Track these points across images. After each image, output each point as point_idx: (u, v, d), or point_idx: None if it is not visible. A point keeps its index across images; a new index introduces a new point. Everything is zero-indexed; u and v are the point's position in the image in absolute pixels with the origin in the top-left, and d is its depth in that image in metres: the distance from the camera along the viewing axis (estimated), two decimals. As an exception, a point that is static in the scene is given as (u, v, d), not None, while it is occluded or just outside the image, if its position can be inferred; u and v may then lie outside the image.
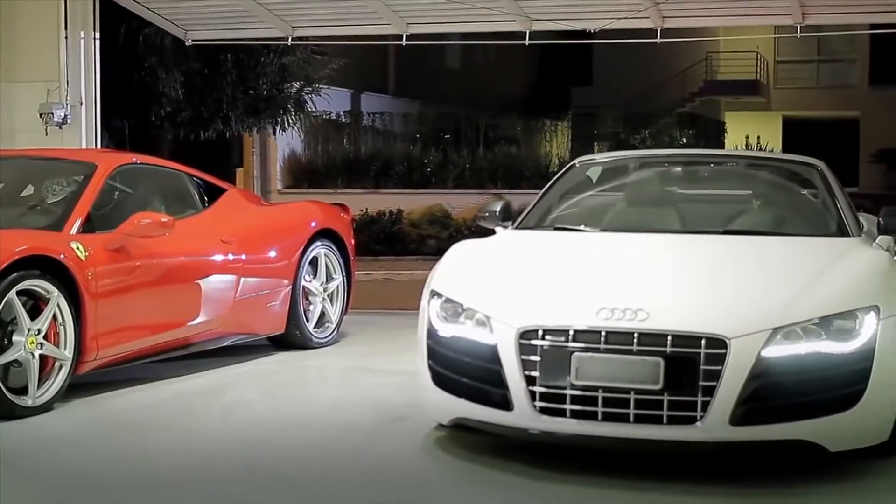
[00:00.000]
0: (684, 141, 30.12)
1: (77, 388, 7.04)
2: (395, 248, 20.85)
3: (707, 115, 34.48)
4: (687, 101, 35.03)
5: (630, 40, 11.40)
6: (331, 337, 9.24)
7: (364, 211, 21.07)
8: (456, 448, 5.85)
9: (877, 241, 6.55)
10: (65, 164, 7.92)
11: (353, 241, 9.66)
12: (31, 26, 11.04)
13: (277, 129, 19.04)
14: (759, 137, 32.25)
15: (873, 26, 11.50)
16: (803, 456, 5.36)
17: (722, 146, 31.76)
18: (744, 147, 30.72)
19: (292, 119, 18.96)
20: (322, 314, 9.18)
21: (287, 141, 23.18)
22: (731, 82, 35.31)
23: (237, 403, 7.23)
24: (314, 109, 20.88)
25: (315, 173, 24.37)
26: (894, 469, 5.55)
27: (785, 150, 34.61)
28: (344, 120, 26.16)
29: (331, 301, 9.25)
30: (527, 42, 11.57)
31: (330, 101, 21.21)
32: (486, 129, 26.40)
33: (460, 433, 5.85)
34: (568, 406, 5.24)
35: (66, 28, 10.96)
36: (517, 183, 23.58)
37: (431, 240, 20.93)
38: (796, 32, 10.64)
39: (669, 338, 5.19)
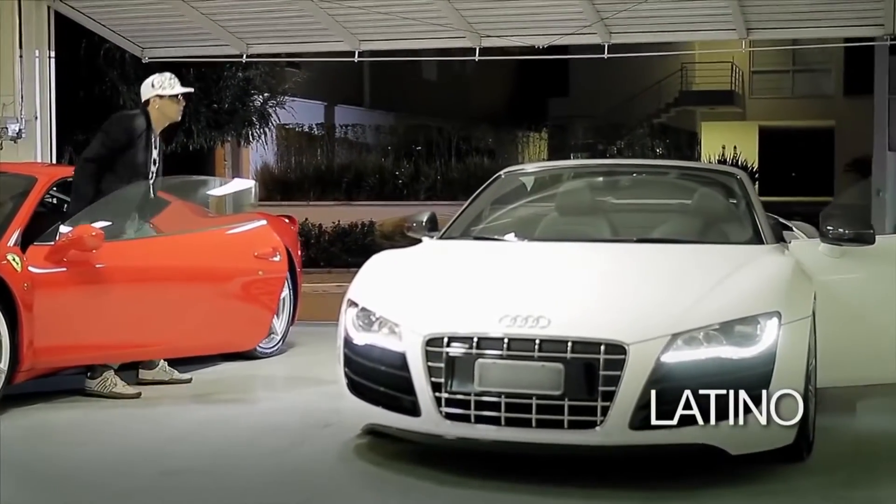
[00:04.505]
0: (658, 151, 30.31)
1: (16, 397, 7.16)
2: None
3: (680, 126, 34.66)
4: (663, 111, 35.22)
5: (604, 55, 11.48)
6: (276, 348, 9.37)
7: (336, 223, 21.20)
8: (370, 454, 5.98)
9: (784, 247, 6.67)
10: (6, 178, 8.00)
11: (299, 253, 9.80)
12: (-12, 42, 11.17)
13: (242, 141, 19.18)
14: (735, 148, 32.45)
15: (846, 40, 11.65)
16: (709, 459, 5.44)
17: (696, 156, 31.95)
18: (718, 157, 30.96)
19: (257, 132, 19.14)
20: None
21: (260, 153, 23.33)
22: (706, 93, 35.49)
23: (169, 413, 7.30)
24: (286, 122, 20.91)
25: (287, 185, 24.48)
26: (796, 472, 5.67)
27: (761, 159, 34.88)
28: (317, 132, 26.29)
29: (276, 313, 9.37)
30: (476, 58, 11.73)
31: (295, 113, 21.35)
32: (459, 140, 26.51)
33: (378, 440, 5.98)
34: (472, 412, 5.35)
35: (20, 46, 11.08)
36: (489, 194, 23.67)
37: (403, 251, 21.02)
38: (771, 45, 10.75)
39: (569, 344, 5.28)
